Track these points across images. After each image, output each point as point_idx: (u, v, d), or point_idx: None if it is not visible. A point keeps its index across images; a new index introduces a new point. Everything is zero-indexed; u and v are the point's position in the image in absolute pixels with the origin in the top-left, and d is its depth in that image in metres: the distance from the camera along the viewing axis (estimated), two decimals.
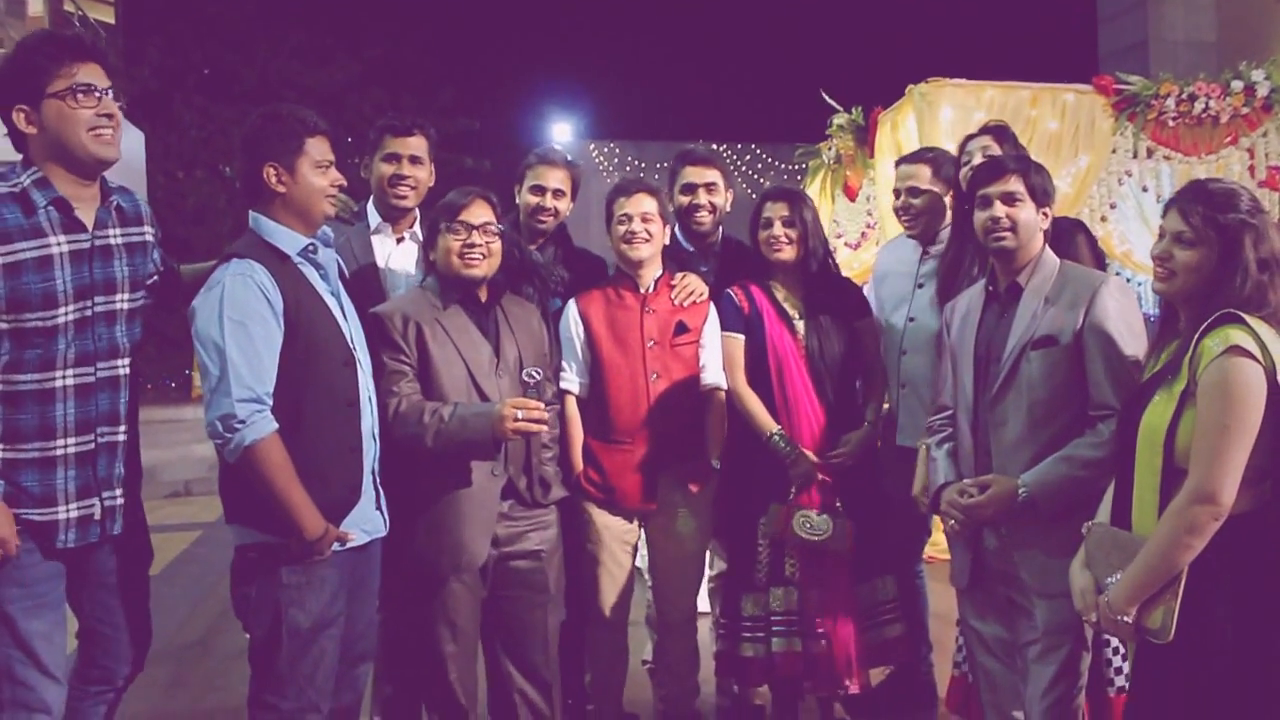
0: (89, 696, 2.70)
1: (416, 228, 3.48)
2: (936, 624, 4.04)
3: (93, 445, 2.55)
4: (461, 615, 3.03)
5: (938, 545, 4.91)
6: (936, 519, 3.94)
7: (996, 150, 3.42)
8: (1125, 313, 2.67)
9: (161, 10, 17.68)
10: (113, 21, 14.42)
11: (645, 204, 3.40)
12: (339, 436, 2.68)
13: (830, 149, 7.05)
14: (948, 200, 3.62)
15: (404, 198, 3.40)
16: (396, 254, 3.44)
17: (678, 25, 25.88)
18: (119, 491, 2.61)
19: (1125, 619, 2.18)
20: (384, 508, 2.85)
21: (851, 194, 6.87)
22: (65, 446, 2.50)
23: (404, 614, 3.10)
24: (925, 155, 3.75)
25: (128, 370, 2.62)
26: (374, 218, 3.46)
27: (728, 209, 3.85)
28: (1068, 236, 3.21)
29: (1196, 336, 2.18)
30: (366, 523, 2.77)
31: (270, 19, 19.09)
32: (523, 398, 2.90)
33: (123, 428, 2.61)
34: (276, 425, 2.52)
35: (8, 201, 2.46)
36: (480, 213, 3.04)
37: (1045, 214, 2.79)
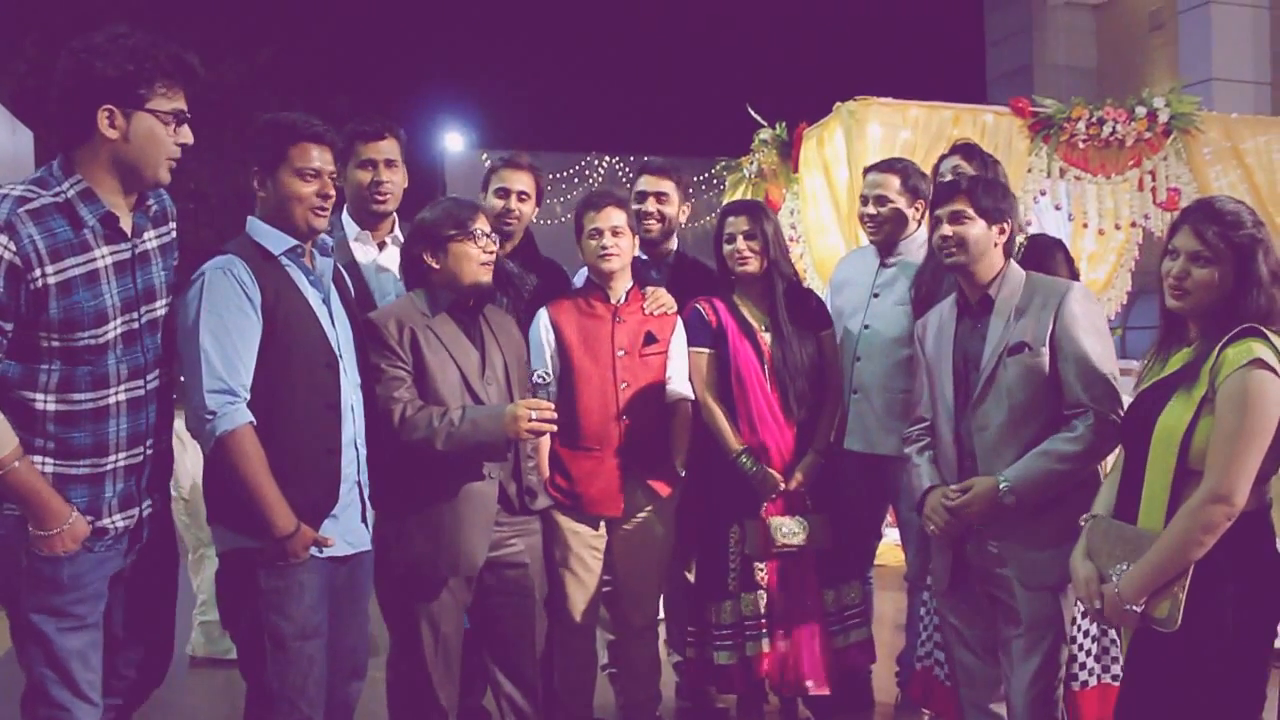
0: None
1: (397, 230, 3.47)
2: (878, 628, 4.15)
3: (141, 458, 2.48)
4: (446, 622, 3.04)
5: (881, 554, 5.02)
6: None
7: (966, 167, 3.56)
8: (1091, 316, 2.85)
9: (37, 2, 16.91)
10: None
11: (615, 218, 3.46)
12: (316, 438, 2.67)
13: (752, 163, 7.17)
14: (911, 212, 3.75)
15: (383, 202, 3.41)
16: (381, 259, 3.44)
17: (572, 35, 25.95)
18: (155, 497, 2.55)
19: (1135, 609, 2.31)
20: (369, 521, 2.83)
21: (774, 207, 6.99)
22: (116, 462, 2.42)
23: (389, 619, 3.11)
24: (896, 165, 3.87)
25: (169, 376, 2.55)
26: (350, 227, 3.44)
27: (681, 219, 3.95)
28: (1048, 253, 3.37)
29: (1219, 347, 2.30)
30: (349, 534, 2.75)
31: (156, 16, 18.46)
32: (533, 398, 2.95)
33: (164, 435, 2.55)
34: (250, 418, 2.53)
35: (54, 213, 2.32)
36: (486, 220, 3.11)
37: (1002, 229, 2.93)
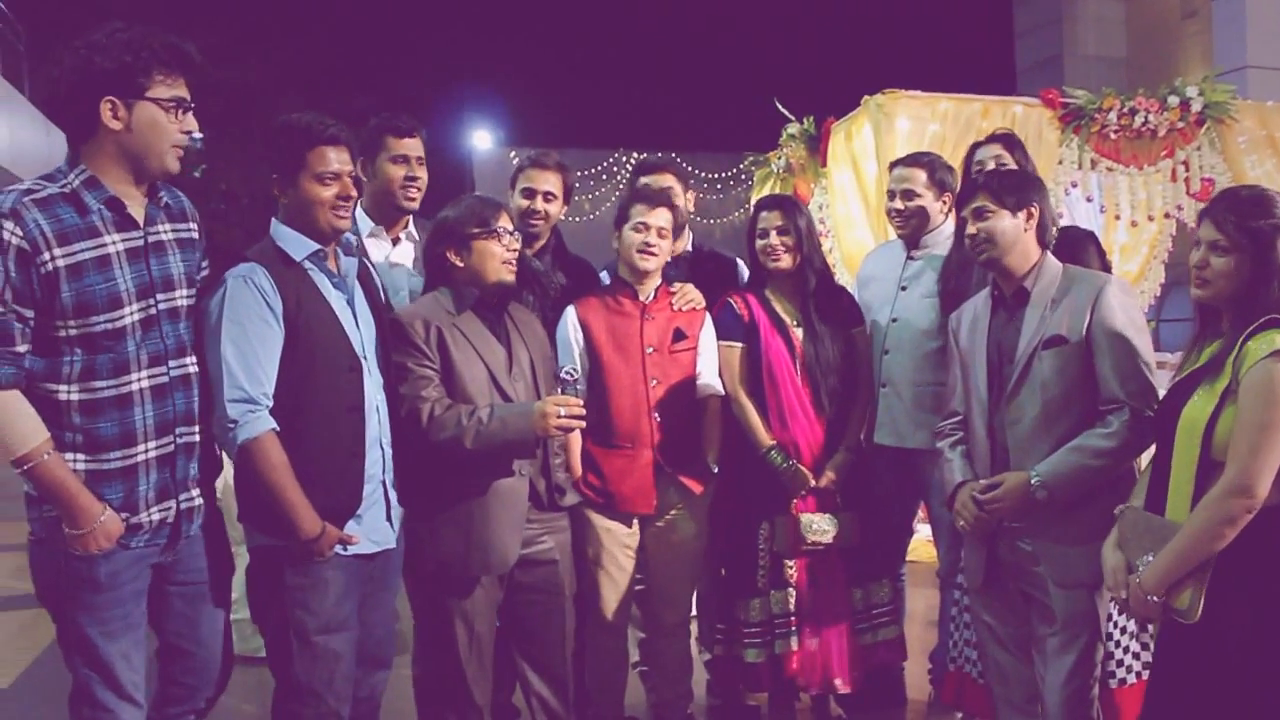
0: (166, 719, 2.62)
1: (411, 227, 3.48)
2: (909, 624, 4.12)
3: (172, 447, 2.48)
4: (480, 620, 3.05)
5: (914, 550, 5.00)
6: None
7: (1007, 158, 3.54)
8: (1128, 310, 2.81)
9: (66, 7, 17.09)
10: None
11: (663, 218, 3.45)
12: (339, 441, 2.69)
13: (780, 158, 7.15)
14: (938, 205, 3.72)
15: (413, 199, 3.40)
16: (394, 255, 3.44)
17: (600, 33, 25.97)
18: (195, 493, 2.56)
19: (1155, 599, 2.31)
20: (395, 519, 2.84)
21: (803, 202, 6.97)
22: (147, 452, 2.43)
23: (422, 616, 3.13)
24: (922, 159, 3.84)
25: (197, 367, 2.56)
26: (365, 223, 3.42)
27: (691, 209, 3.94)
28: (1080, 245, 3.35)
29: (1242, 338, 2.29)
30: (374, 532, 2.77)
31: (180, 18, 18.61)
32: (562, 395, 2.94)
33: (198, 427, 2.55)
34: (273, 424, 2.55)
35: (60, 202, 2.35)
36: (509, 218, 3.11)
37: (1030, 214, 2.89)
